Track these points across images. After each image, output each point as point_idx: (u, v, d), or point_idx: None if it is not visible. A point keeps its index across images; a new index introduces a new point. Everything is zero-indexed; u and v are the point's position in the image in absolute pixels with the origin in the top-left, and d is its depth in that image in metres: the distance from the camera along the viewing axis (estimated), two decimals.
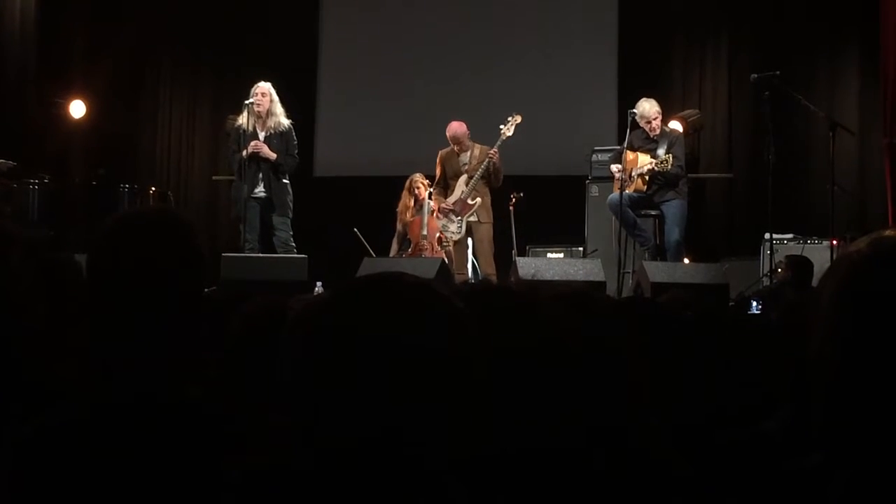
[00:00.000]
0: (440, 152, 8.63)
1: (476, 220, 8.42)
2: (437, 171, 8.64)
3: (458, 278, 7.92)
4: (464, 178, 8.46)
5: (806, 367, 1.18)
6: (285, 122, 7.92)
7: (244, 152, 7.70)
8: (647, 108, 7.69)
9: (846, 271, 1.16)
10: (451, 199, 8.48)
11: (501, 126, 8.31)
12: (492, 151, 8.29)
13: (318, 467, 1.14)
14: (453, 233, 8.43)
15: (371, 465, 1.13)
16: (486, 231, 8.43)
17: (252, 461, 1.25)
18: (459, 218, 8.42)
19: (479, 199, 8.38)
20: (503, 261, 8.38)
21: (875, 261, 1.14)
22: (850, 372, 1.12)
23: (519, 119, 8.29)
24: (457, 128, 8.50)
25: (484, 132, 8.56)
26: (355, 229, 8.69)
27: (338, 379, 1.13)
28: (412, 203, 8.74)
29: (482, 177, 8.36)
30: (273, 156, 7.76)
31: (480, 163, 8.36)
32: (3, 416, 1.65)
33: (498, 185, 8.45)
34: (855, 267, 1.15)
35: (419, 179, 8.70)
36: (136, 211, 1.84)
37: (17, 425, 1.52)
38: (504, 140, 8.29)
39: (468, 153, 8.49)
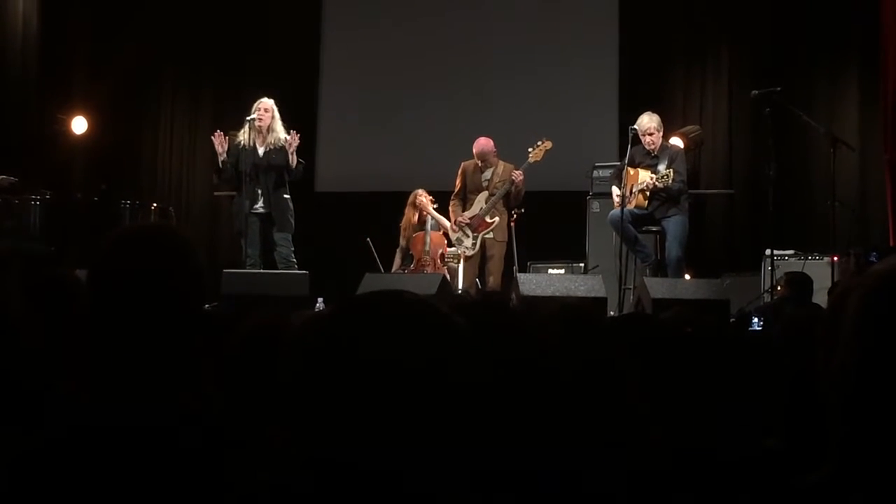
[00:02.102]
0: (463, 164, 8.50)
1: (492, 237, 8.34)
2: (458, 183, 8.50)
3: None
4: (484, 194, 8.36)
5: (806, 382, 1.17)
6: (284, 135, 7.90)
7: (222, 159, 7.71)
8: (646, 121, 7.69)
9: (872, 284, 1.16)
10: (469, 213, 8.38)
11: (530, 149, 8.23)
12: (516, 173, 8.19)
13: (317, 486, 1.14)
14: (467, 248, 8.34)
15: (370, 483, 1.12)
16: (500, 249, 8.33)
17: (251, 479, 1.25)
18: (475, 234, 8.35)
19: (497, 219, 8.29)
20: (505, 277, 8.37)
21: None
22: (870, 383, 1.12)
23: (549, 145, 8.18)
24: (484, 144, 8.37)
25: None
26: (368, 239, 8.67)
27: (337, 396, 1.13)
28: (416, 218, 8.71)
29: (502, 196, 8.28)
30: (294, 160, 7.73)
31: (503, 181, 8.27)
32: (1, 432, 1.65)
33: (516, 205, 8.35)
34: (881, 280, 1.15)
35: (422, 194, 8.64)
36: (135, 227, 1.84)
37: (16, 442, 1.52)
38: (531, 164, 8.21)
39: (491, 170, 8.37)
